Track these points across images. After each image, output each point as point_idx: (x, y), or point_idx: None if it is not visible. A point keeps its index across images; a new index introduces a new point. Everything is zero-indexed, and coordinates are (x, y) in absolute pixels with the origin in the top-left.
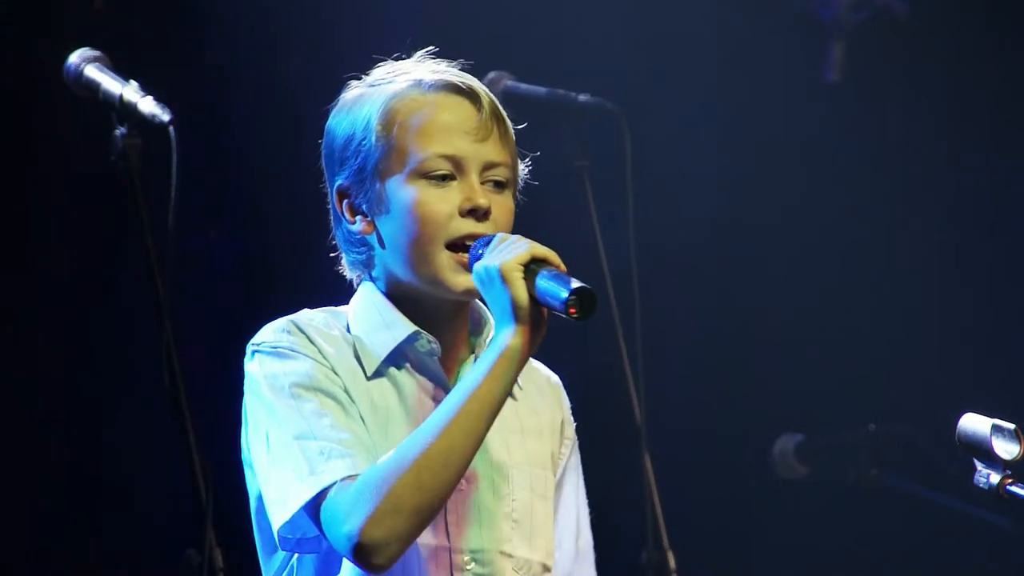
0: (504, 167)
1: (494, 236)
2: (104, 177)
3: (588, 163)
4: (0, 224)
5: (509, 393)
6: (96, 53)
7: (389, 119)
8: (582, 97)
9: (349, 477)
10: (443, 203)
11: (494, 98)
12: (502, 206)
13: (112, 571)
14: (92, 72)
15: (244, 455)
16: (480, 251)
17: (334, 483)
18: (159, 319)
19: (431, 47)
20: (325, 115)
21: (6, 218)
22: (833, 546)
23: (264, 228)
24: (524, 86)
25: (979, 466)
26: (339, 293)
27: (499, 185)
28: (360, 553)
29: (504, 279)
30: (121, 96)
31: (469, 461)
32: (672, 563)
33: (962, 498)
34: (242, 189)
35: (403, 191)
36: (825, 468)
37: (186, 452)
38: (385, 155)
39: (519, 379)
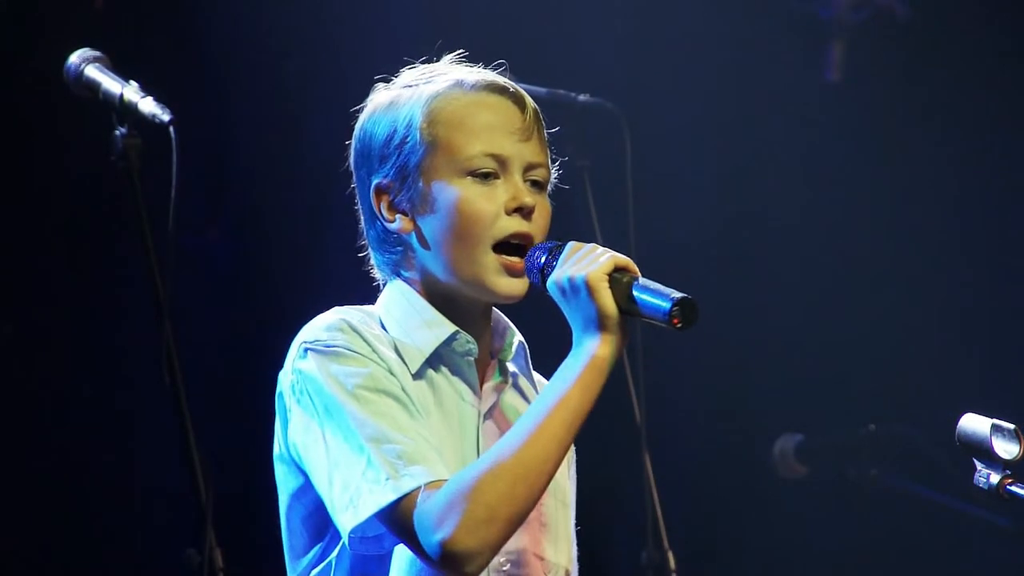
0: (543, 168)
1: (557, 244)
2: (104, 177)
3: (588, 163)
4: (0, 224)
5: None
6: (96, 53)
7: (433, 117)
8: (582, 97)
9: (432, 483)
10: (489, 202)
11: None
12: (542, 206)
13: (112, 571)
14: (92, 72)
15: (282, 452)
16: (542, 258)
17: (416, 488)
18: (159, 319)
19: (461, 50)
20: (325, 115)
21: (6, 218)
22: (833, 546)
23: (264, 228)
24: (524, 86)
25: (979, 466)
26: (338, 292)
27: (538, 185)
28: (452, 561)
29: (591, 289)
30: (121, 96)
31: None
32: (672, 563)
33: (962, 498)
34: (242, 189)
35: (448, 189)
36: (825, 468)
37: (186, 452)
38: (429, 153)
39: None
